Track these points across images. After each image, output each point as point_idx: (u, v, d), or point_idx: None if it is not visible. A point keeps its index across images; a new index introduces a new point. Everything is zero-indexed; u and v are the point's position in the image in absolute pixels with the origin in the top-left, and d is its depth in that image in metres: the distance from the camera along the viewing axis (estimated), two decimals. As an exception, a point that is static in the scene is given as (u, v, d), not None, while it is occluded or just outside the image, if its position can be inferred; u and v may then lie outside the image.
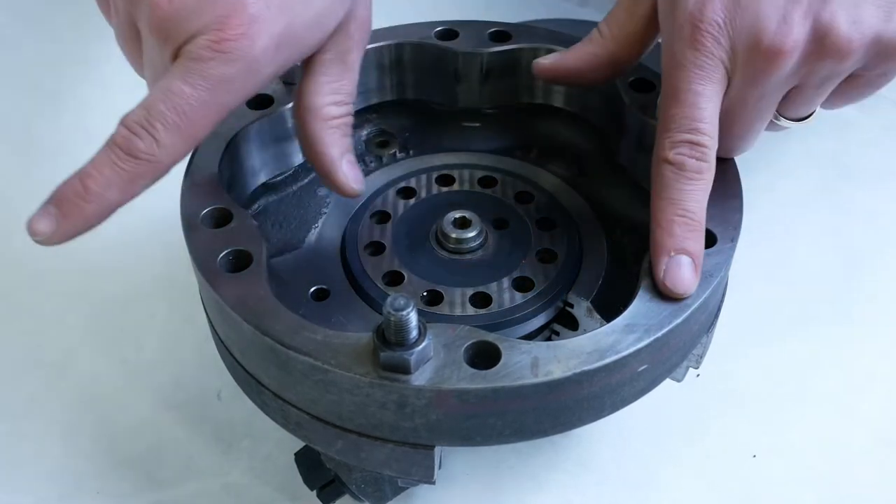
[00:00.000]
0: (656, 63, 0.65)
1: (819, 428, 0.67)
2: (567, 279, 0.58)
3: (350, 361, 0.46)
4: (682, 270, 0.49)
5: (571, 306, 0.58)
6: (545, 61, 0.61)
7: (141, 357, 0.73)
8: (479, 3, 1.01)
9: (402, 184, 0.65)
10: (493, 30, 0.66)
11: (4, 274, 0.79)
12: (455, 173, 0.66)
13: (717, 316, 0.56)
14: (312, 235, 0.62)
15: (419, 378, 0.45)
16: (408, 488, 0.61)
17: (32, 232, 0.47)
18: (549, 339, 0.58)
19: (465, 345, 0.47)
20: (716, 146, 0.52)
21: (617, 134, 0.64)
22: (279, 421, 0.53)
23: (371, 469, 0.53)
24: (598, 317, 0.56)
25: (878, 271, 0.77)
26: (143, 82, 0.58)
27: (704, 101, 0.51)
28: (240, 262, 0.52)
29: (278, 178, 0.64)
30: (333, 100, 0.56)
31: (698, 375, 0.66)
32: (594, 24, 0.60)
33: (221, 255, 0.52)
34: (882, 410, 0.68)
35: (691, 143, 0.51)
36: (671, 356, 0.52)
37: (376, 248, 0.60)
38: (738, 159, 0.57)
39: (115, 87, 0.97)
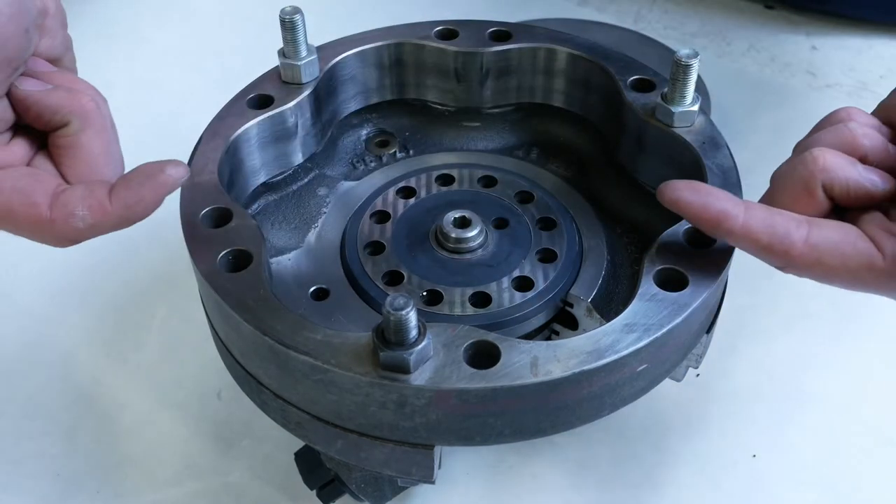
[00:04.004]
0: (656, 63, 0.65)
1: (819, 428, 0.67)
2: (567, 279, 0.58)
3: (350, 361, 0.46)
4: None
5: (571, 306, 0.58)
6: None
7: (141, 357, 0.73)
8: (478, 3, 1.01)
9: (402, 183, 0.65)
10: (492, 29, 0.66)
11: (5, 274, 0.79)
12: (455, 173, 0.66)
13: (716, 316, 0.56)
14: (312, 235, 0.62)
15: (419, 378, 0.45)
16: (407, 488, 0.61)
17: None
18: (548, 338, 0.58)
19: (465, 344, 0.47)
20: None
21: (617, 134, 0.64)
22: (279, 421, 0.53)
23: (371, 469, 0.52)
24: (598, 316, 0.56)
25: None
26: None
27: None
28: (240, 262, 0.52)
29: (278, 178, 0.64)
30: None
31: (698, 375, 0.66)
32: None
33: (221, 255, 0.52)
34: (882, 410, 0.68)
35: None
36: (671, 356, 0.52)
37: (376, 248, 0.60)
38: (738, 160, 0.57)
39: (116, 87, 0.97)
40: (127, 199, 0.48)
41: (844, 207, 0.51)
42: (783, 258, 0.48)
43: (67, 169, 0.51)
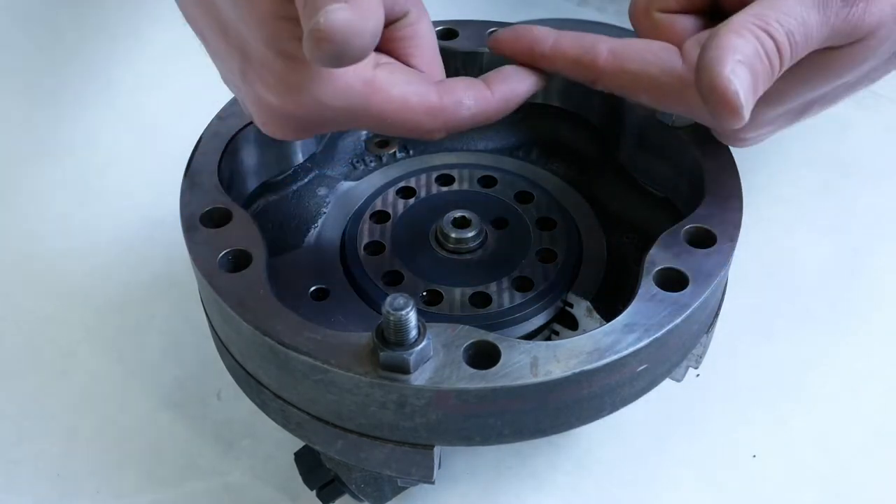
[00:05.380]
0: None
1: (819, 428, 0.67)
2: (567, 279, 0.58)
3: (350, 361, 0.46)
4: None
5: (571, 306, 0.58)
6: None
7: (141, 357, 0.73)
8: (479, 3, 1.01)
9: (402, 183, 0.65)
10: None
11: (4, 274, 0.79)
12: (455, 173, 0.66)
13: (716, 316, 0.56)
14: (312, 235, 0.62)
15: (419, 378, 0.45)
16: (408, 488, 0.61)
17: None
18: (548, 338, 0.58)
19: (465, 344, 0.47)
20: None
21: (617, 134, 0.64)
22: (279, 421, 0.53)
23: (371, 469, 0.53)
24: (598, 317, 0.56)
25: (877, 271, 0.77)
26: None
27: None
28: (240, 262, 0.52)
29: (278, 178, 0.64)
30: None
31: (698, 375, 0.66)
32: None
33: (221, 255, 0.52)
34: (882, 409, 0.68)
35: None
36: (671, 356, 0.52)
37: (376, 248, 0.60)
38: (739, 159, 0.57)
39: (116, 87, 0.97)
40: (506, 92, 0.52)
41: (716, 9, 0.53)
42: (591, 69, 0.53)
43: (415, 59, 0.51)
